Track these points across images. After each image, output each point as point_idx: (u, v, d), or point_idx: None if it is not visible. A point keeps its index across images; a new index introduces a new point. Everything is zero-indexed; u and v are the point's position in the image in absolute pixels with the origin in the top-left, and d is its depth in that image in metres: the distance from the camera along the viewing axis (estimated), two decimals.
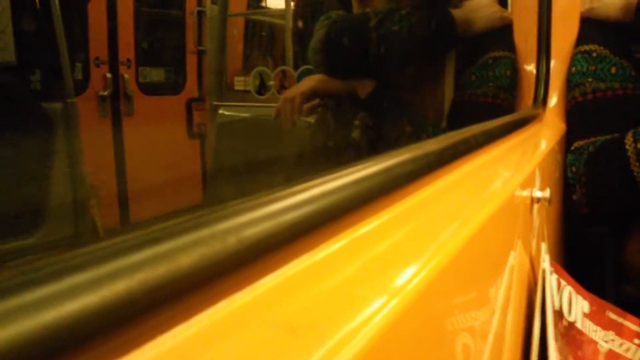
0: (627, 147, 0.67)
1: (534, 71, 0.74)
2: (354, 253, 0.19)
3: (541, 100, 0.73)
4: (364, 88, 0.67)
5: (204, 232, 0.13)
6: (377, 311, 0.15)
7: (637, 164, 0.66)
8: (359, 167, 0.23)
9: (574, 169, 0.74)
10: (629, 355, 0.49)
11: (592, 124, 0.75)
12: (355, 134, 0.67)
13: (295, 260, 0.17)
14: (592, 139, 0.73)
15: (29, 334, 0.09)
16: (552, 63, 0.78)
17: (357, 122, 0.67)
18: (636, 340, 0.50)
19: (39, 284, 0.10)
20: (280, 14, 1.83)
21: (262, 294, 0.15)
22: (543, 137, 0.69)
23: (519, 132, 0.55)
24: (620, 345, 0.49)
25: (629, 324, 0.51)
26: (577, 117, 0.77)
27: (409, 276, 0.18)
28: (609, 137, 0.72)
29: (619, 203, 0.72)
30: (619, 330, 0.50)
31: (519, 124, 0.56)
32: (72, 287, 0.10)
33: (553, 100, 0.79)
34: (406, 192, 0.26)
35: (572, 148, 0.75)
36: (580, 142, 0.75)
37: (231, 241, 0.14)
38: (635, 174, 0.66)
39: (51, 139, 1.15)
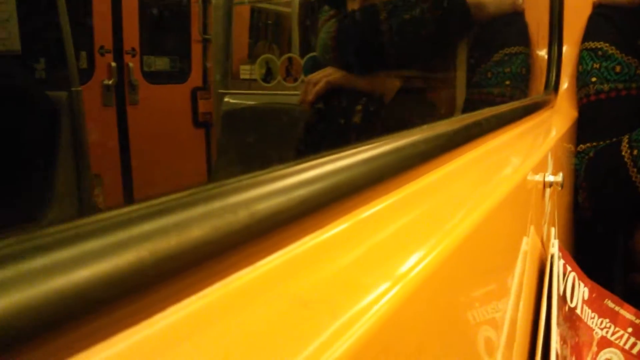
0: (622, 153, 0.66)
1: (546, 57, 0.73)
2: (364, 232, 0.19)
3: (553, 87, 0.72)
4: (389, 91, 0.64)
5: (216, 204, 0.13)
6: (386, 291, 0.15)
7: (634, 170, 0.65)
8: (370, 146, 0.22)
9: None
10: (620, 343, 0.49)
11: (595, 127, 0.74)
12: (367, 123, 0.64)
13: (305, 237, 0.16)
14: (594, 143, 0.73)
15: (39, 299, 0.09)
16: (564, 48, 0.77)
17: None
18: (630, 329, 0.50)
19: (49, 250, 0.10)
20: (286, 1, 1.81)
21: (273, 268, 0.14)
22: (555, 123, 0.68)
23: (530, 117, 0.54)
24: (614, 333, 0.49)
25: (625, 312, 0.51)
26: (582, 119, 0.76)
27: (418, 259, 0.18)
28: (607, 142, 0.71)
29: (621, 209, 0.71)
30: (614, 318, 0.50)
31: (530, 109, 0.56)
32: (83, 253, 0.10)
33: (564, 86, 0.78)
34: (418, 172, 0.25)
35: (577, 151, 0.74)
36: (584, 146, 0.74)
37: (243, 214, 0.14)
38: (633, 179, 0.65)
39: (56, 127, 1.15)
